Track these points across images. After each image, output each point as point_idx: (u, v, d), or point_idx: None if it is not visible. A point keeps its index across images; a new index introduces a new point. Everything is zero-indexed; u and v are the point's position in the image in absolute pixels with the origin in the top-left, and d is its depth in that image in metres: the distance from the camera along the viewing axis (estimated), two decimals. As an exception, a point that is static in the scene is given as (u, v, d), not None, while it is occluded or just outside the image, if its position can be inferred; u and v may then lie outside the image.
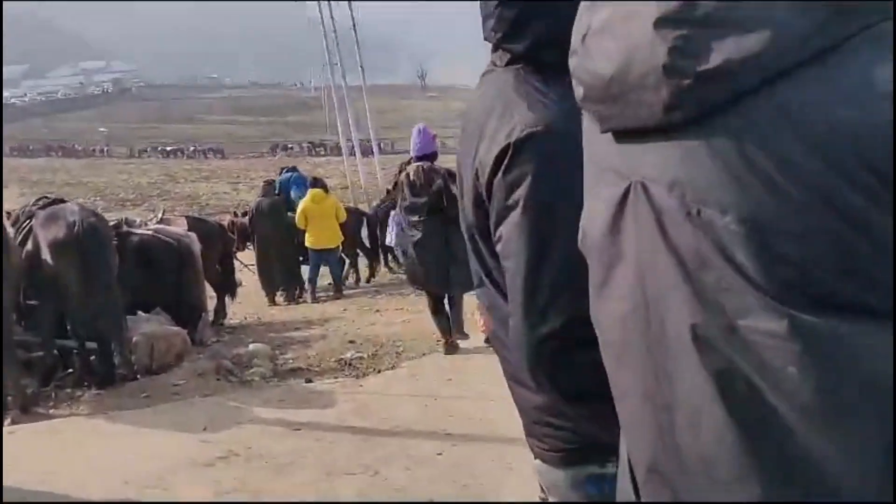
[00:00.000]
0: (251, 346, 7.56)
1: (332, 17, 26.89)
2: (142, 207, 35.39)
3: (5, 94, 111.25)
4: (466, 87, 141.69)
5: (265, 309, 11.41)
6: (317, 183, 11.96)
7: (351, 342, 7.86)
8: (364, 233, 13.52)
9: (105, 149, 69.55)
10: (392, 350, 7.47)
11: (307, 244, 11.71)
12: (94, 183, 45.78)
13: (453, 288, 7.02)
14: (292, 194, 12.35)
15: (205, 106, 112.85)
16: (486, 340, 7.69)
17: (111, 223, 7.77)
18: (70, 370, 6.67)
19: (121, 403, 5.59)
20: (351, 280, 13.17)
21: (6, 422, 5.36)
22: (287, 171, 13.28)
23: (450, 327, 7.07)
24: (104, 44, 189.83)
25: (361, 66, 27.47)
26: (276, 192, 12.47)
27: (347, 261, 13.14)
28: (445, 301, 7.13)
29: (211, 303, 9.48)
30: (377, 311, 9.85)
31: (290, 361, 7.38)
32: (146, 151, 68.15)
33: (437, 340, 7.38)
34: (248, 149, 70.13)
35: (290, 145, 67.26)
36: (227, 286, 9.96)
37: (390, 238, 7.51)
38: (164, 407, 5.37)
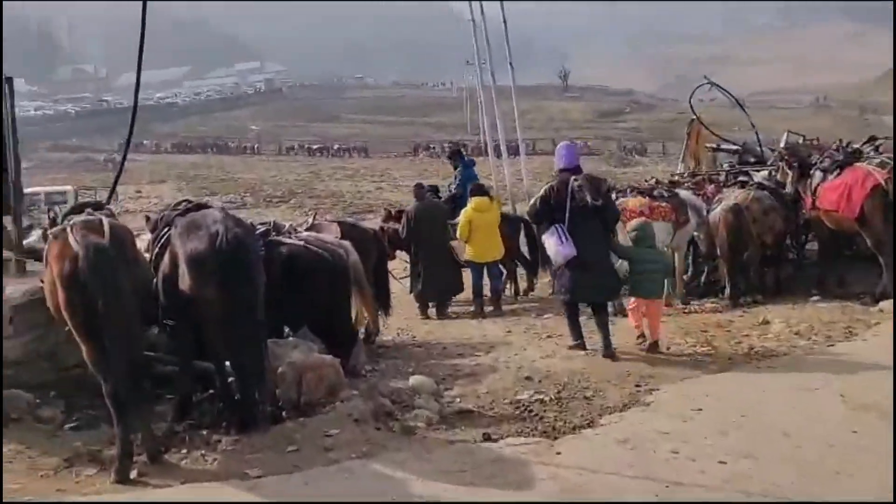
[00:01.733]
0: (412, 381, 6.41)
1: (482, 14, 25.97)
2: (289, 204, 35.79)
3: (163, 93, 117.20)
4: (606, 87, 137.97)
5: (417, 323, 10.34)
6: (480, 190, 10.81)
7: (527, 379, 6.57)
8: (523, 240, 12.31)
9: (256, 146, 71.76)
10: (579, 394, 6.12)
11: (469, 256, 10.61)
12: (245, 179, 47.05)
13: (612, 294, 7.69)
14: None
15: (349, 105, 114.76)
16: (639, 338, 7.32)
17: (259, 229, 6.86)
18: (211, 391, 5.83)
19: (263, 459, 4.53)
20: (508, 292, 11.91)
21: (133, 474, 4.44)
22: (465, 164, 12.33)
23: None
24: (259, 46, 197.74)
25: (511, 64, 26.27)
26: (456, 187, 11.52)
27: (504, 272, 11.89)
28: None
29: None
30: (548, 336, 8.51)
31: (458, 400, 6.18)
32: (293, 149, 69.79)
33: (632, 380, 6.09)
34: (390, 148, 70.56)
35: (431, 145, 67.04)
36: (380, 301, 8.91)
37: (551, 246, 7.12)
38: (315, 475, 4.25)
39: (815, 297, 8.95)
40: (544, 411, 5.78)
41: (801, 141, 14.55)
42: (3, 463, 3.69)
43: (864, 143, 11.15)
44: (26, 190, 5.90)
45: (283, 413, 5.51)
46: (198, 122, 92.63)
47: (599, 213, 7.07)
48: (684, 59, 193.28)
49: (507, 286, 11.94)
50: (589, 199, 6.94)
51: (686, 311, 9.29)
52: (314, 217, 8.55)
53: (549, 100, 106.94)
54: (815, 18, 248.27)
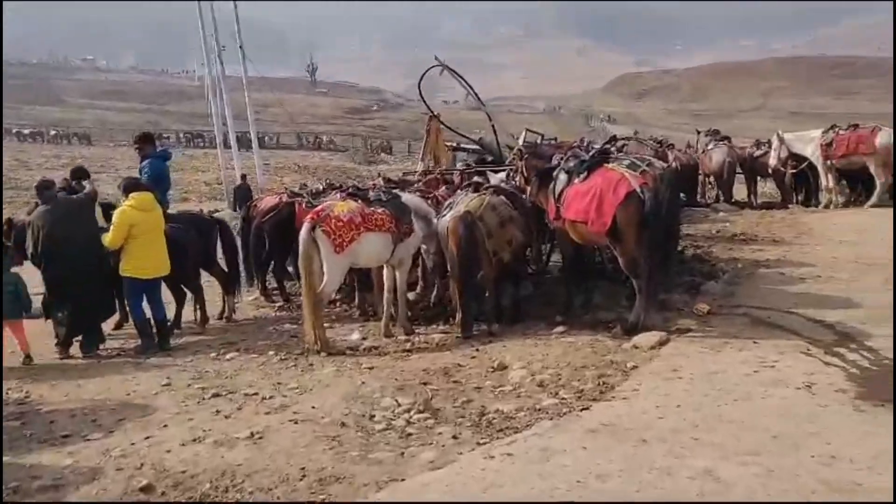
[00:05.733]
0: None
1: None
2: (-24, 198, 29.93)
3: None
4: (355, 85, 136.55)
5: (49, 369, 7.45)
6: (139, 185, 8.20)
7: (143, 490, 4.12)
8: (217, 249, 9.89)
9: (-48, 128, 61.36)
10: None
11: (128, 272, 7.93)
12: (-73, 167, 39.25)
13: None
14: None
15: (75, 89, 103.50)
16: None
17: None
18: None
19: None
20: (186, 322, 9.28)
21: None
22: (157, 155, 9.83)
23: None
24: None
25: (241, 47, 23.67)
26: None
27: (190, 294, 9.28)
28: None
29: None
30: (216, 395, 6.05)
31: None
32: (-1, 133, 60.45)
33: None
34: (118, 137, 63.66)
35: (166, 135, 61.27)
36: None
37: None
38: None
39: (560, 328, 7.32)
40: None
41: (540, 140, 13.30)
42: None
43: (607, 143, 9.78)
44: None
45: None
46: None
47: None
48: (433, 62, 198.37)
49: (196, 310, 9.34)
50: None
51: (407, 347, 7.27)
52: None
53: (297, 94, 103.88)
54: (551, 33, 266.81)
